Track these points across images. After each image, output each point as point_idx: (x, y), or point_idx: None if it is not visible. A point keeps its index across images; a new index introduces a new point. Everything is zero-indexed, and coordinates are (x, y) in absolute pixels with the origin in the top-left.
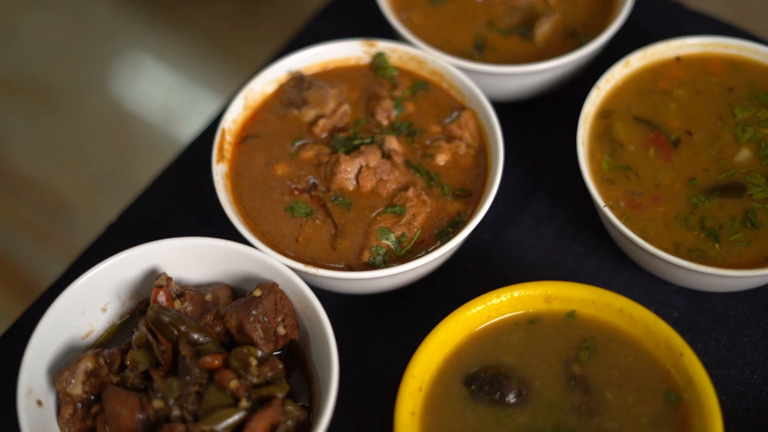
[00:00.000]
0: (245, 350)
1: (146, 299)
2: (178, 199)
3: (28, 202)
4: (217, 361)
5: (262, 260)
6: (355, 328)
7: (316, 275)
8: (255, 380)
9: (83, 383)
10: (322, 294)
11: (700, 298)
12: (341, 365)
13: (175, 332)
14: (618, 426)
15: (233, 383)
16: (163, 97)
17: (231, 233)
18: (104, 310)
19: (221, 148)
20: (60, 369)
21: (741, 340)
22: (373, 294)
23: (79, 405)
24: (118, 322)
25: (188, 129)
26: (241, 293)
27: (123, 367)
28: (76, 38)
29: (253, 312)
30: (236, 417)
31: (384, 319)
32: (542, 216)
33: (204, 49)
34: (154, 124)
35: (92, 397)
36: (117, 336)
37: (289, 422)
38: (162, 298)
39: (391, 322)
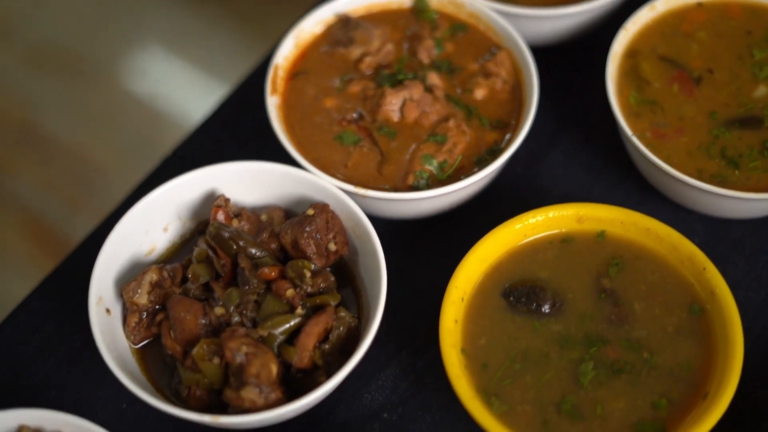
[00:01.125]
0: (300, 263)
1: (205, 220)
2: (230, 135)
3: (61, 169)
4: (273, 273)
5: (315, 182)
6: (398, 251)
7: (365, 196)
8: (309, 289)
9: (148, 293)
10: (369, 220)
11: (719, 226)
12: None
13: (234, 247)
14: (646, 334)
15: (289, 292)
16: (191, 66)
17: (283, 162)
18: (165, 229)
19: (274, 83)
20: (126, 281)
21: (757, 264)
22: (415, 219)
23: (144, 314)
24: (179, 242)
25: (216, 97)
26: (293, 215)
27: (184, 280)
28: (105, 9)
29: (307, 229)
30: (292, 322)
31: (425, 244)
32: (571, 151)
33: (231, 22)
34: (183, 93)
35: (156, 307)
36: (177, 254)
37: (342, 328)
38: (221, 216)
39: (432, 246)
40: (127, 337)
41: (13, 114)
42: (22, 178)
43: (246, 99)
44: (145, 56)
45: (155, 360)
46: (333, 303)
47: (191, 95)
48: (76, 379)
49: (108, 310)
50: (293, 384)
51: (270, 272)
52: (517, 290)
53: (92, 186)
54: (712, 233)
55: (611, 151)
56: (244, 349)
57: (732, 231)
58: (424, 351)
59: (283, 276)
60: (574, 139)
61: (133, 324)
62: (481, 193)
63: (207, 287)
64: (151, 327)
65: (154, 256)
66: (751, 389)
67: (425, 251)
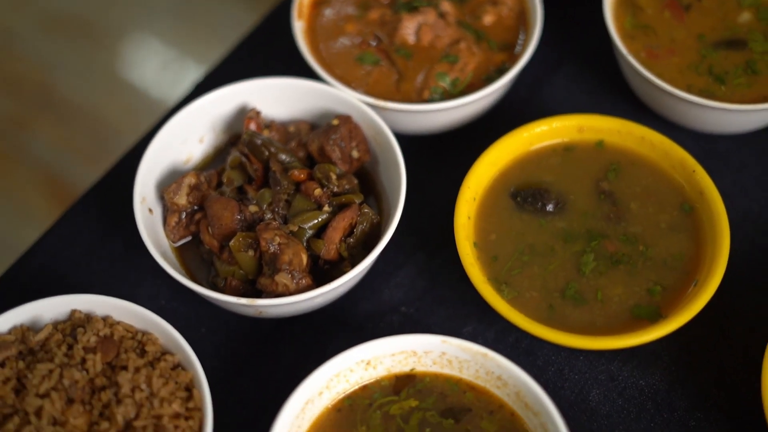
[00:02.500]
0: (326, 166)
1: (237, 133)
2: (257, 63)
3: (77, 129)
4: (303, 175)
5: (338, 96)
6: (413, 164)
7: (385, 108)
8: (335, 189)
9: (187, 195)
10: None
11: (708, 142)
12: None
13: (266, 153)
14: (641, 230)
15: (317, 191)
16: (199, 32)
17: None
18: (201, 140)
19: (300, 9)
20: (167, 185)
21: (742, 177)
22: (430, 134)
23: (183, 214)
24: (213, 152)
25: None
26: (318, 127)
27: (219, 184)
28: None
29: (332, 137)
30: (320, 218)
31: (439, 157)
32: (572, 76)
33: None
34: (193, 56)
35: (194, 207)
36: (212, 163)
37: (365, 224)
38: (253, 126)
39: (444, 159)
40: (167, 236)
41: (30, 77)
42: (40, 137)
43: (273, 26)
44: (157, 23)
45: (193, 258)
46: (357, 201)
47: (201, 57)
48: (118, 280)
49: (150, 210)
50: (321, 275)
51: (299, 174)
52: (523, 192)
53: (106, 143)
54: (700, 148)
55: (609, 77)
56: (278, 239)
57: (719, 146)
58: (437, 253)
59: (311, 178)
60: (575, 66)
61: (173, 223)
62: (489, 112)
63: (240, 191)
64: (189, 226)
65: (190, 164)
66: (735, 280)
67: (438, 164)
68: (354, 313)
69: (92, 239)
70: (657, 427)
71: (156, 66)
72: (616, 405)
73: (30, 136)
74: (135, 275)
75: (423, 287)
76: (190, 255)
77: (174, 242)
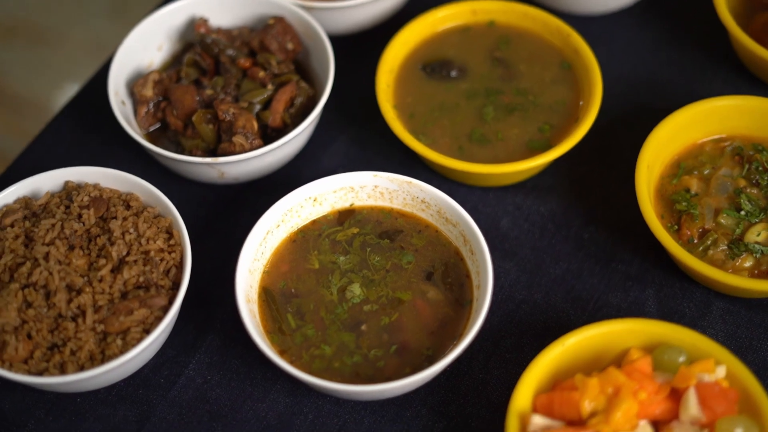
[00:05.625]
0: (267, 54)
1: (190, 42)
2: None
3: (29, 117)
4: (248, 63)
5: (273, 2)
6: (342, 58)
7: (311, 7)
8: (276, 71)
9: (153, 88)
10: None
11: (583, 24)
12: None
13: (215, 49)
14: (530, 85)
15: (261, 74)
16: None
17: None
18: (160, 48)
19: None
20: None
21: (614, 50)
22: (355, 32)
23: (151, 104)
24: (170, 59)
25: None
26: None
27: (179, 80)
28: None
29: (270, 32)
30: (266, 94)
31: (362, 50)
32: None
33: None
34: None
35: (160, 98)
36: (170, 67)
37: (303, 96)
38: (203, 29)
39: (368, 52)
40: (139, 125)
41: None
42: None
43: None
44: (99, 22)
45: (162, 144)
46: (295, 79)
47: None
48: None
49: (123, 102)
50: (270, 141)
51: (245, 62)
52: (431, 64)
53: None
54: (578, 30)
55: None
56: (232, 110)
57: (592, 29)
58: (366, 126)
59: (255, 64)
60: None
61: (143, 113)
62: (403, 10)
63: (197, 83)
64: (156, 114)
65: (152, 68)
66: (611, 124)
67: (362, 56)
68: (299, 178)
69: (71, 141)
70: (557, 242)
71: (100, 61)
72: (523, 228)
73: None
74: (113, 162)
75: (355, 153)
76: (160, 142)
77: (145, 129)
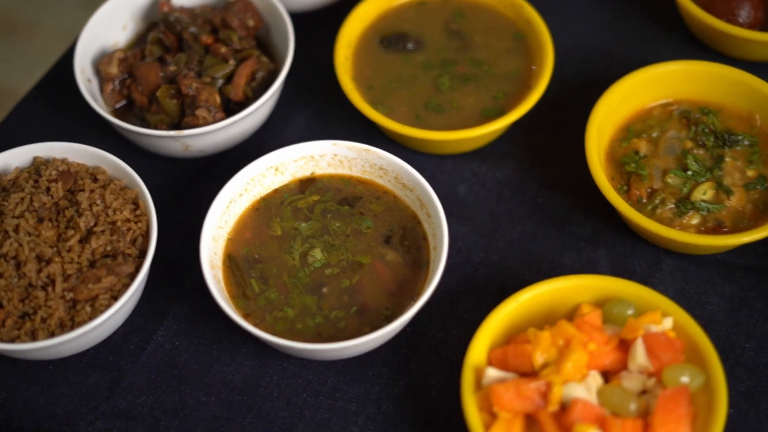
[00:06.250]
0: (229, 30)
1: (153, 21)
2: None
3: (2, 106)
4: (210, 39)
5: None
6: (303, 34)
7: None
8: (237, 47)
9: (118, 65)
10: None
11: None
12: None
13: (178, 27)
14: (485, 55)
15: (223, 50)
16: None
17: None
18: (124, 28)
19: None
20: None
21: (566, 20)
22: (314, 9)
23: (116, 81)
24: (135, 38)
25: None
26: None
27: (143, 58)
28: None
29: (231, 10)
30: (228, 69)
31: (323, 28)
32: None
33: None
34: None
35: (125, 75)
36: (136, 47)
37: (264, 71)
38: (166, 8)
39: (328, 30)
40: (105, 102)
41: None
42: None
43: None
44: (70, 12)
45: (128, 121)
46: (256, 54)
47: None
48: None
49: (89, 80)
50: (233, 115)
51: (207, 38)
52: (388, 37)
53: None
54: (531, 2)
55: None
56: (195, 84)
57: (546, 0)
58: (326, 101)
59: (217, 41)
60: None
61: (109, 90)
62: None
63: (161, 60)
64: (122, 91)
65: (118, 47)
66: (564, 94)
67: (322, 36)
68: (262, 150)
69: (39, 119)
70: (513, 206)
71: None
72: (480, 194)
73: None
74: (81, 140)
75: (317, 126)
76: (127, 119)
77: (111, 106)
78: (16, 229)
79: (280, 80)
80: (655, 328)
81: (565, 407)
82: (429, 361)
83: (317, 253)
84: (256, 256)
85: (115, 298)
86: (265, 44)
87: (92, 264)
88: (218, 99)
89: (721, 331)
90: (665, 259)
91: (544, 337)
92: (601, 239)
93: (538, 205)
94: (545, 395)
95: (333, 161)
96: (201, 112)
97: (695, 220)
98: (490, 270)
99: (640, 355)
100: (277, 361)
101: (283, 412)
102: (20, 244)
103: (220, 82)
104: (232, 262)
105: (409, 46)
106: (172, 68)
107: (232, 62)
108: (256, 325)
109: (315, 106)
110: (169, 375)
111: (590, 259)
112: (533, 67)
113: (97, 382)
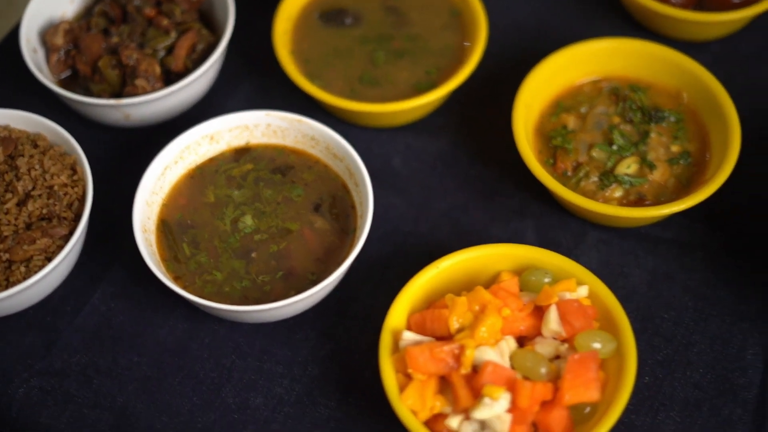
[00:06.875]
0: (171, 4)
1: None
2: None
3: None
4: (153, 12)
5: None
6: (243, 6)
7: None
8: (179, 20)
9: (63, 36)
10: None
11: None
12: None
13: (123, 0)
14: (420, 31)
15: (165, 22)
16: None
17: None
18: (72, 1)
19: None
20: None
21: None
22: None
23: (62, 52)
24: (83, 11)
25: None
26: None
27: (89, 29)
28: None
29: None
30: (169, 41)
31: (264, 11)
32: None
33: None
34: None
35: (70, 46)
36: (82, 19)
37: (204, 43)
38: None
39: (268, 13)
40: (51, 71)
41: None
42: None
43: None
44: None
45: (73, 91)
46: (197, 27)
47: None
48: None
49: (35, 50)
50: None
51: (150, 11)
52: (327, 13)
53: None
54: None
55: None
56: (135, 55)
57: None
58: (267, 75)
59: (160, 13)
60: None
61: (54, 60)
62: None
63: (106, 32)
64: (67, 61)
65: (65, 19)
66: (497, 71)
67: (266, 12)
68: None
69: None
70: (446, 177)
71: None
72: (414, 167)
73: None
74: (27, 108)
75: (258, 99)
76: (72, 89)
77: (57, 76)
78: None
79: (219, 52)
80: (569, 296)
81: (477, 370)
82: (356, 326)
83: (248, 220)
84: (189, 222)
85: (50, 260)
86: (208, 18)
87: (29, 226)
88: (158, 69)
89: (642, 302)
90: (590, 232)
91: (461, 303)
92: (528, 211)
93: (470, 177)
94: (458, 358)
95: (267, 131)
96: (140, 82)
97: (618, 193)
98: (419, 240)
99: (552, 321)
100: (208, 324)
101: (213, 373)
102: None
103: (162, 53)
104: (165, 227)
105: (347, 21)
106: (115, 39)
107: (173, 34)
108: (185, 287)
109: (257, 80)
110: (103, 336)
111: (518, 230)
112: (466, 44)
113: (33, 342)
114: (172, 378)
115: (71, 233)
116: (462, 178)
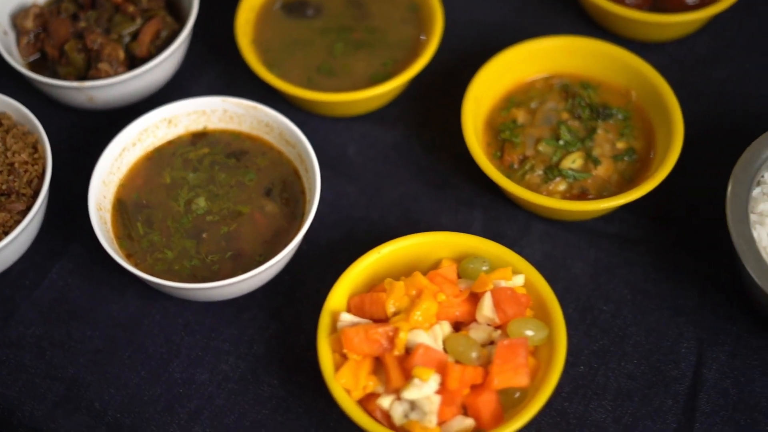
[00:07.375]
0: None
1: None
2: None
3: None
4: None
5: None
6: (209, 7)
7: None
8: (145, 7)
9: (33, 19)
10: None
11: None
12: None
13: None
14: (380, 24)
15: (131, 9)
16: None
17: None
18: None
19: None
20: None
21: None
22: None
23: (32, 35)
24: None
25: None
26: None
27: (59, 14)
28: None
29: None
30: (134, 27)
31: (228, 3)
32: None
33: None
34: None
35: (40, 29)
36: (53, 4)
37: (167, 30)
38: None
39: (235, 3)
40: (21, 54)
41: None
42: None
43: None
44: None
45: (42, 73)
46: (162, 14)
47: None
48: None
49: (5, 32)
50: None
51: None
52: (291, 3)
53: None
54: None
55: None
56: (99, 40)
57: None
58: (232, 62)
59: (127, 0)
60: None
61: (24, 43)
62: None
63: (75, 17)
64: (36, 44)
65: (36, 2)
66: (452, 62)
67: (232, 1)
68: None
69: None
70: (399, 167)
71: None
72: (369, 156)
73: None
74: None
75: (221, 86)
76: (40, 71)
77: (26, 59)
78: None
79: (181, 38)
80: (504, 284)
81: (410, 352)
82: (303, 308)
83: (201, 201)
84: (144, 202)
85: (7, 234)
86: (176, 6)
87: None
88: (122, 54)
89: (582, 294)
90: (536, 224)
91: (398, 287)
92: (477, 203)
93: (422, 167)
94: (392, 340)
95: (224, 117)
96: (103, 66)
97: (562, 187)
98: (369, 226)
99: (486, 308)
100: (160, 302)
101: (162, 348)
102: None
103: (127, 39)
104: (121, 206)
105: (309, 12)
106: (82, 24)
107: (138, 21)
108: (136, 265)
109: (221, 67)
110: (59, 310)
111: (465, 221)
112: (422, 37)
113: None
114: (122, 352)
115: (29, 209)
116: (414, 168)
